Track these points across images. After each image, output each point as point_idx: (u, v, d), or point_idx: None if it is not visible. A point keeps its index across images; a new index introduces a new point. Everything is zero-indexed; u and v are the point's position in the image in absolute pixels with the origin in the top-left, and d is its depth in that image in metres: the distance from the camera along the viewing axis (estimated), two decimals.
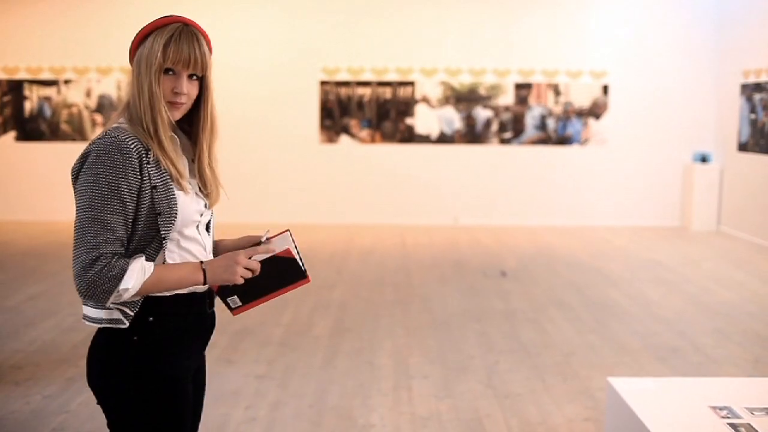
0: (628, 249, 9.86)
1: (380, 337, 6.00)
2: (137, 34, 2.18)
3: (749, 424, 3.19)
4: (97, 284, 1.99)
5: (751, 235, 10.49)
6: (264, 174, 11.77)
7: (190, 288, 2.19)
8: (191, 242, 2.22)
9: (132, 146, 2.05)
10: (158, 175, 2.10)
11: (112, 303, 2.07)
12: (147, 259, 2.10)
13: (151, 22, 2.17)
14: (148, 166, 2.08)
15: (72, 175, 2.10)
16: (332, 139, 11.79)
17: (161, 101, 2.14)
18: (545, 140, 11.82)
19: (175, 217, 2.13)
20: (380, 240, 10.39)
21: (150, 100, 2.12)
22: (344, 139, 11.79)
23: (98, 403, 2.24)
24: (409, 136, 11.80)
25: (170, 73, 2.15)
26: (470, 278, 8.05)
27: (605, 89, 11.72)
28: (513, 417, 4.45)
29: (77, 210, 2.02)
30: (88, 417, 4.36)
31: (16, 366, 5.25)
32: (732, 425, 3.18)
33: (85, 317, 2.20)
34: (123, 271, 2.01)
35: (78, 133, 11.74)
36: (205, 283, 2.15)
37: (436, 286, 7.69)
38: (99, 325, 2.18)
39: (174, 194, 2.13)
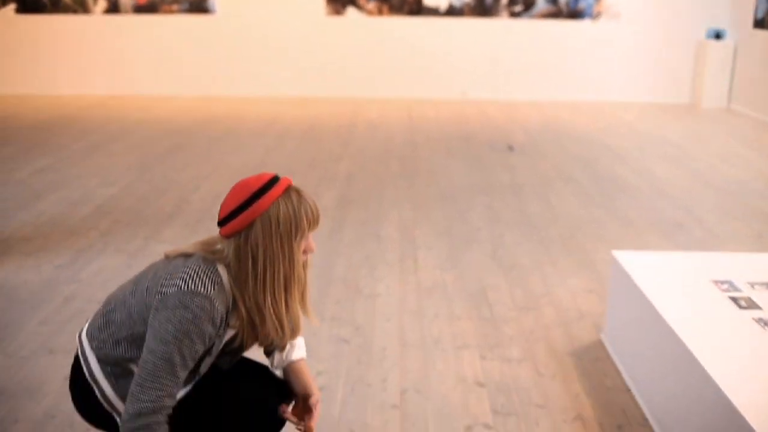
0: (637, 125, 9.79)
1: (386, 209, 6.03)
2: (248, 208, 2.06)
3: (749, 297, 3.23)
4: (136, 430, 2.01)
5: (762, 113, 10.37)
6: (269, 47, 11.59)
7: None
8: None
9: (220, 316, 2.06)
10: (224, 331, 2.15)
11: None
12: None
13: (260, 195, 2.06)
14: (226, 326, 2.13)
15: (158, 296, 2.05)
16: (338, 11, 11.54)
17: (301, 268, 2.18)
18: (556, 14, 11.56)
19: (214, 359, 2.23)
20: (387, 113, 10.31)
21: (289, 270, 2.12)
22: (351, 11, 11.54)
23: None
24: (418, 9, 11.55)
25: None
26: (477, 152, 8.03)
27: None
28: (517, 288, 4.52)
29: (155, 350, 2.00)
30: (99, 286, 4.44)
31: (26, 237, 5.31)
32: (733, 298, 3.22)
33: (86, 361, 2.22)
34: None
35: (80, 5, 11.50)
36: None
37: (442, 160, 7.68)
38: (90, 380, 2.22)
39: (223, 341, 2.20)
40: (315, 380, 2.37)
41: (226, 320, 2.10)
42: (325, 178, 6.86)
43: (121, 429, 2.00)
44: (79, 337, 2.26)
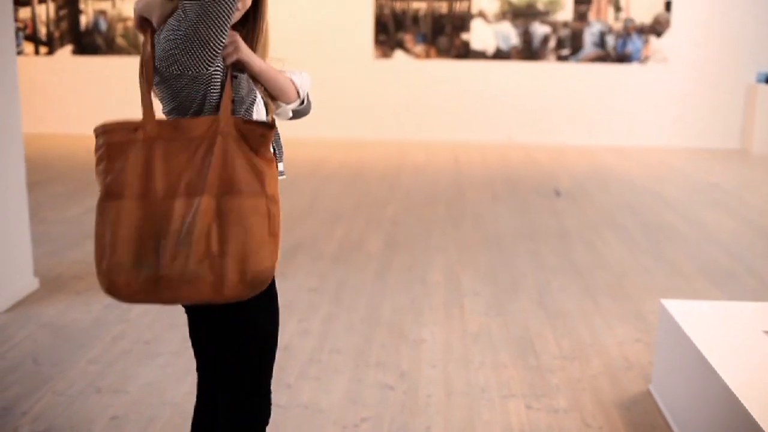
0: (686, 171, 9.69)
1: (432, 253, 6.02)
2: None
3: None
4: None
5: None
6: (316, 89, 11.66)
7: None
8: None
9: None
10: None
11: None
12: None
13: None
14: None
15: None
16: (386, 54, 11.67)
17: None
18: (604, 58, 11.55)
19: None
20: (433, 157, 10.35)
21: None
22: (399, 54, 11.66)
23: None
24: (465, 52, 11.63)
25: None
26: (523, 197, 8.01)
27: (668, 5, 11.36)
28: (563, 336, 4.47)
29: (185, 19, 1.97)
30: (146, 326, 4.48)
31: (76, 276, 5.39)
32: None
33: None
34: None
35: (133, 47, 11.77)
36: None
37: (488, 204, 7.66)
38: None
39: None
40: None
41: None
42: (371, 222, 6.88)
43: None
44: None
